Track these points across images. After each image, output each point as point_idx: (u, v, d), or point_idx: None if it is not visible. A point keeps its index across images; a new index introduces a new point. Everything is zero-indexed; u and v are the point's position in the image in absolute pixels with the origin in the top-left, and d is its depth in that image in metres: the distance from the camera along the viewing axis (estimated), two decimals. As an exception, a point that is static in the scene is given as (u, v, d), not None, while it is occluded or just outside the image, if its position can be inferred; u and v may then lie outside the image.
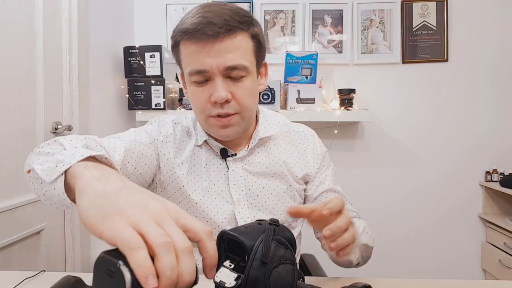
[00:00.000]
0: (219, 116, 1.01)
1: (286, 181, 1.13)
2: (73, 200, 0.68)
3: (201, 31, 0.93)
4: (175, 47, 1.02)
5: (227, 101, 0.99)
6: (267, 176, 1.12)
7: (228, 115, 1.01)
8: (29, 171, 0.79)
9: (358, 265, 1.08)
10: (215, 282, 0.66)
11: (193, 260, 0.49)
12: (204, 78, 0.98)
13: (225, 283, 0.64)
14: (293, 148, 1.18)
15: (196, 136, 1.14)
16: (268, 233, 0.66)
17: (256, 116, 1.19)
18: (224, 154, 1.11)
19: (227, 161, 1.12)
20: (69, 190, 0.68)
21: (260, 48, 1.05)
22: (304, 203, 1.18)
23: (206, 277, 0.54)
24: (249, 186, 1.11)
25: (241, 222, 1.08)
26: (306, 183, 1.18)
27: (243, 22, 0.97)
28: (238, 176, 1.11)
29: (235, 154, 1.12)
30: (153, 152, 1.11)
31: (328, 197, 1.15)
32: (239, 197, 1.10)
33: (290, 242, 0.69)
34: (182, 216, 0.54)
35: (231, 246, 0.68)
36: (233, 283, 0.64)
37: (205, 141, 1.12)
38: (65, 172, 0.68)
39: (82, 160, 0.68)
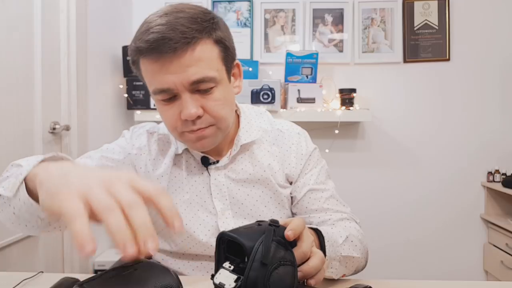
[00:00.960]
0: (192, 130, 0.94)
1: (272, 187, 1.08)
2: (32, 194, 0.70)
3: (156, 49, 0.86)
4: (134, 64, 0.95)
5: (198, 117, 0.92)
6: (251, 183, 1.07)
7: (202, 128, 0.95)
8: None
9: (344, 277, 0.97)
10: (214, 284, 0.65)
11: (144, 211, 0.50)
12: (169, 95, 0.91)
13: (224, 284, 0.63)
14: (277, 149, 1.12)
15: (176, 143, 1.08)
16: (268, 234, 0.65)
17: (238, 115, 1.13)
18: (206, 162, 1.06)
19: (209, 169, 1.07)
20: (35, 198, 0.69)
21: (227, 52, 0.96)
22: (292, 205, 1.14)
23: (172, 229, 0.53)
24: (233, 195, 1.06)
25: None
26: (290, 183, 1.12)
27: (202, 29, 0.88)
28: (220, 184, 1.06)
29: (217, 162, 1.06)
30: (128, 166, 1.07)
31: (311, 197, 1.09)
32: (223, 207, 1.06)
33: (290, 243, 0.68)
34: (134, 180, 0.55)
35: (230, 247, 0.67)
36: (233, 284, 0.63)
37: (186, 149, 1.07)
38: (25, 181, 0.70)
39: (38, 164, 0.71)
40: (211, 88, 0.92)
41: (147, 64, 0.90)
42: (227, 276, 0.65)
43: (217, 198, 1.06)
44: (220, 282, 0.64)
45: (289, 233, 0.68)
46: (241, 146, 1.07)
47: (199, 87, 0.90)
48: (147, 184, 0.54)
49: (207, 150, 1.03)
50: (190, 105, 0.90)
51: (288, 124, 1.19)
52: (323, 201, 1.09)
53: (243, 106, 1.16)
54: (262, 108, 1.22)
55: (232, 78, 1.02)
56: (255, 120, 1.14)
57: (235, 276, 0.64)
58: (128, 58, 0.99)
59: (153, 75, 0.90)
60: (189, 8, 0.91)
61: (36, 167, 0.71)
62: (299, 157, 1.12)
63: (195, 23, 0.88)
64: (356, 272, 0.99)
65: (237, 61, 1.04)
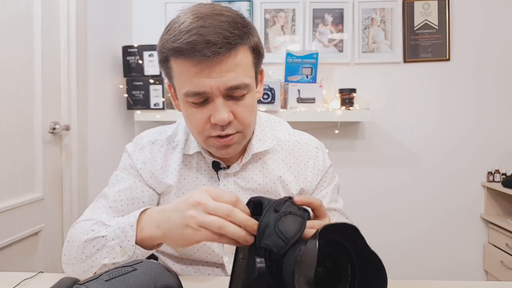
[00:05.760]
0: (219, 136, 0.93)
1: None
2: (151, 247, 0.84)
3: (199, 52, 0.83)
4: (165, 62, 0.92)
5: (229, 122, 0.91)
6: (260, 193, 1.06)
7: (228, 135, 0.93)
8: (95, 273, 0.85)
9: None
10: None
11: (237, 210, 0.70)
12: (202, 99, 0.89)
13: None
14: (292, 160, 1.10)
15: (188, 144, 1.07)
16: (284, 198, 0.71)
17: None
18: (216, 166, 1.05)
19: (218, 174, 1.06)
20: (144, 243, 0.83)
21: (259, 59, 0.96)
22: None
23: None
24: None
25: None
26: None
27: (242, 35, 0.87)
28: (228, 191, 1.01)
29: (228, 167, 1.05)
30: (141, 183, 1.07)
31: None
32: None
33: (304, 212, 0.74)
34: (212, 194, 0.73)
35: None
36: None
37: (198, 151, 1.06)
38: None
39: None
40: (243, 95, 0.91)
41: (183, 65, 0.87)
42: None
43: None
44: None
45: (296, 198, 0.74)
46: (252, 155, 1.06)
47: (234, 93, 0.89)
48: (221, 194, 0.72)
49: (229, 156, 1.02)
50: (223, 110, 0.89)
51: (306, 136, 1.17)
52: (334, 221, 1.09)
53: (261, 114, 1.15)
54: (281, 118, 1.21)
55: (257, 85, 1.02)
56: (270, 129, 1.12)
57: None
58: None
59: (189, 77, 0.87)
60: (227, 11, 0.89)
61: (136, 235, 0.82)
62: (316, 172, 1.11)
63: (236, 28, 0.86)
64: None
65: (261, 67, 1.02)
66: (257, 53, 0.94)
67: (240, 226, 0.69)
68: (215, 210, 0.70)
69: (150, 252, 0.84)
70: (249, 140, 1.06)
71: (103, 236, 0.85)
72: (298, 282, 0.58)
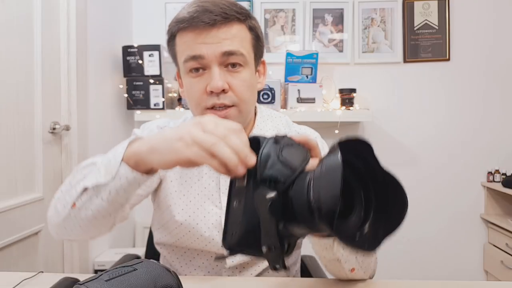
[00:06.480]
0: (214, 108, 0.96)
1: None
2: (138, 168, 0.76)
3: (197, 18, 0.92)
4: (171, 40, 1.01)
5: (224, 91, 0.95)
6: None
7: (225, 107, 0.97)
8: (73, 205, 0.81)
9: (354, 273, 0.93)
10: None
11: (237, 136, 0.65)
12: (199, 65, 0.95)
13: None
14: None
15: None
16: (282, 134, 0.68)
17: (255, 114, 1.15)
18: None
19: None
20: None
21: (258, 42, 1.02)
22: None
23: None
24: None
25: None
26: None
27: (240, 13, 0.96)
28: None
29: None
30: None
31: None
32: None
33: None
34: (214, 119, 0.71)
35: None
36: None
37: None
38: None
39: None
40: (240, 66, 0.97)
41: (184, 34, 0.96)
42: None
43: (225, 193, 1.04)
44: None
45: (294, 137, 0.70)
46: None
47: (229, 60, 0.95)
48: (225, 121, 0.68)
49: None
50: (218, 77, 0.94)
51: (306, 128, 1.22)
52: None
53: (262, 107, 1.19)
54: (281, 113, 1.23)
55: (257, 73, 1.06)
56: (271, 121, 1.16)
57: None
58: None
59: (187, 44, 0.95)
60: None
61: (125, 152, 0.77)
62: None
63: (234, 6, 0.96)
64: (365, 274, 0.96)
65: (263, 59, 1.09)
66: (256, 35, 1.01)
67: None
68: (212, 130, 0.66)
69: (138, 178, 0.77)
70: (250, 129, 1.10)
71: (94, 163, 0.83)
72: (316, 207, 0.53)
